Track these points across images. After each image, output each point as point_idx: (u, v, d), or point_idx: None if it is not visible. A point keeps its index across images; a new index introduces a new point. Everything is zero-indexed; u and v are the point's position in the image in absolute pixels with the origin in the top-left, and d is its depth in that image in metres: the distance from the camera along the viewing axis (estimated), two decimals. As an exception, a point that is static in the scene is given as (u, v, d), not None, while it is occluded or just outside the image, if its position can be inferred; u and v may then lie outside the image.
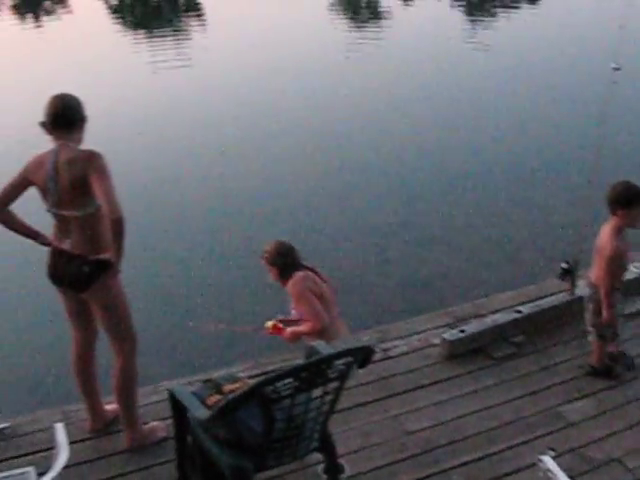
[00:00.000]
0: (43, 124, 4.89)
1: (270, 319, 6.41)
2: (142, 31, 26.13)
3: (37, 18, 28.55)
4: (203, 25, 26.75)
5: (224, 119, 15.15)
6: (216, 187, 12.04)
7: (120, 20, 29.03)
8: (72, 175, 4.71)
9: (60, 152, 4.78)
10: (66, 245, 4.91)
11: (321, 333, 6.10)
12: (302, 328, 6.20)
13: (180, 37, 24.79)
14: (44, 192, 4.84)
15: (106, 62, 20.06)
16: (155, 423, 5.42)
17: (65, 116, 4.84)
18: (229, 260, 9.62)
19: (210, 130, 14.68)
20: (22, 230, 5.11)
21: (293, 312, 6.27)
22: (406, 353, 6.16)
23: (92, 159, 4.70)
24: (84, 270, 4.88)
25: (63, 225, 4.91)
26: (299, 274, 6.15)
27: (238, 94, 16.88)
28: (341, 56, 19.70)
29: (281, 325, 6.35)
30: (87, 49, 21.48)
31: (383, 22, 25.25)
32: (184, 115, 15.66)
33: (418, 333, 6.44)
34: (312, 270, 6.26)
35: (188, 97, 16.96)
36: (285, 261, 6.20)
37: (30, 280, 8.41)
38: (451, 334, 6.11)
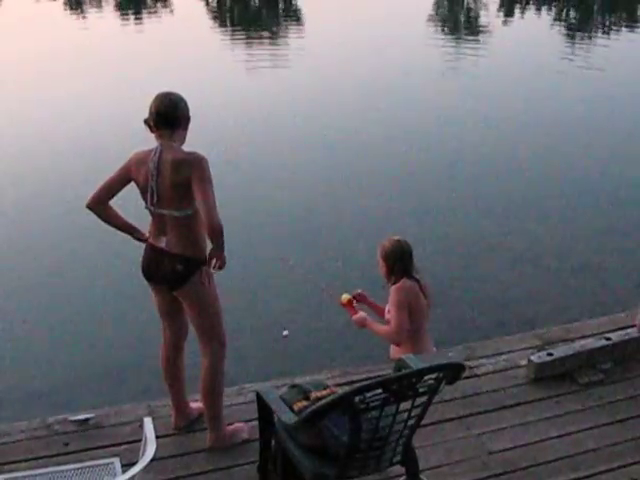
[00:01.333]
0: (147, 122, 4.93)
1: (348, 292, 6.42)
2: (240, 33, 26.37)
3: (139, 17, 29.03)
4: (300, 31, 26.88)
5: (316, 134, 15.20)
6: (317, 193, 12.11)
7: (219, 21, 29.38)
8: (175, 176, 4.75)
9: (164, 151, 4.81)
10: (162, 243, 4.98)
11: (406, 344, 6.12)
12: (380, 328, 6.24)
13: (277, 41, 25.01)
14: (144, 190, 4.90)
15: (203, 63, 20.32)
16: (239, 425, 5.46)
17: (169, 114, 4.86)
18: (324, 262, 9.71)
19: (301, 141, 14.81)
20: (120, 225, 5.15)
21: (387, 315, 6.26)
22: (492, 372, 6.11)
23: (196, 163, 4.74)
24: (178, 268, 4.94)
25: (160, 223, 4.97)
26: (407, 283, 6.14)
27: (332, 105, 16.93)
28: (436, 72, 19.62)
29: (355, 303, 6.38)
30: (186, 49, 21.78)
31: (482, 38, 25.12)
32: (284, 120, 15.76)
33: (505, 353, 6.38)
34: (419, 283, 6.25)
35: (285, 102, 17.09)
36: (394, 263, 6.18)
37: (123, 275, 8.56)
38: (538, 357, 6.04)
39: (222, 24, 29.15)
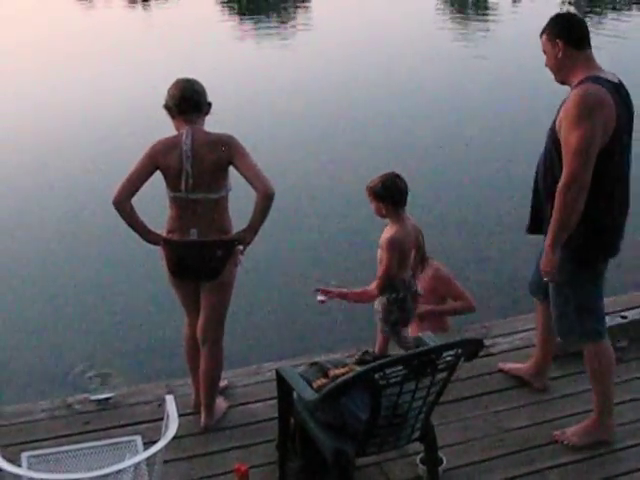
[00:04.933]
0: (167, 107, 4.95)
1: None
2: (248, 20, 26.37)
3: (146, 3, 29.06)
4: (309, 17, 26.87)
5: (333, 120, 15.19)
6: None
7: (228, 8, 29.32)
8: (214, 157, 4.77)
9: (196, 135, 4.81)
10: (192, 236, 4.93)
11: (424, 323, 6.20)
12: (451, 306, 6.52)
13: (287, 27, 24.99)
14: (176, 176, 4.83)
15: (210, 50, 20.30)
16: (219, 400, 5.51)
17: (194, 99, 4.89)
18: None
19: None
20: (137, 224, 4.97)
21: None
22: (508, 351, 6.13)
23: (232, 141, 4.80)
24: (218, 255, 4.94)
25: (189, 212, 4.92)
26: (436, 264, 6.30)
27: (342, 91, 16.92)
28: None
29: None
30: (193, 36, 21.75)
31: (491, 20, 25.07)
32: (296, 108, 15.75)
33: (521, 332, 6.39)
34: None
35: (295, 90, 17.01)
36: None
37: (142, 255, 8.58)
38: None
39: (230, 10, 29.06)
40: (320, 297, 5.68)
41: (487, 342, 6.18)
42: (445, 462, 4.84)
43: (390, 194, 5.39)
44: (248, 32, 23.91)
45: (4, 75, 17.93)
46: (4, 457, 3.76)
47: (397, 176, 5.46)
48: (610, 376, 5.12)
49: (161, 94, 4.99)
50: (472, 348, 4.19)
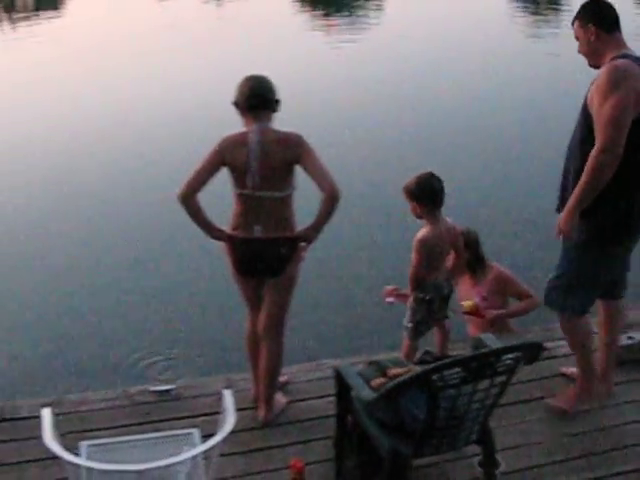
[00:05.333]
0: (237, 104, 4.95)
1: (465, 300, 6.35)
2: (320, 15, 26.40)
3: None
4: (382, 12, 26.79)
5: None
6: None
7: (299, 2, 29.36)
8: (282, 155, 4.78)
9: (265, 132, 4.81)
10: (257, 233, 4.93)
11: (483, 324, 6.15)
12: (518, 307, 6.50)
13: (357, 22, 24.95)
14: (242, 173, 4.83)
15: (281, 45, 20.37)
16: (278, 395, 5.53)
17: (263, 96, 4.88)
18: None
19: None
20: (202, 220, 4.97)
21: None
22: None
23: (300, 140, 4.80)
24: (282, 252, 4.95)
25: (254, 209, 4.92)
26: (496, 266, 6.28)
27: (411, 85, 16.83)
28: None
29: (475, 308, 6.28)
30: (265, 32, 21.84)
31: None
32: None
33: (585, 335, 6.30)
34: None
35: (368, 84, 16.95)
36: (470, 249, 6.24)
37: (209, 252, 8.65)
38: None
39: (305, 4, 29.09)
40: (389, 299, 5.71)
41: (550, 345, 6.10)
42: (503, 465, 4.78)
43: (424, 194, 5.38)
44: (319, 27, 23.93)
45: (89, 72, 18.22)
46: (63, 446, 3.81)
47: (432, 176, 5.44)
48: (589, 346, 5.36)
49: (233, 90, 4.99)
50: (532, 352, 4.14)
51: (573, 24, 4.93)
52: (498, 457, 4.73)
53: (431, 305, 5.58)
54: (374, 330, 7.42)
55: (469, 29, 21.64)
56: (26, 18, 26.37)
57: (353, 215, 9.80)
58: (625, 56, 4.71)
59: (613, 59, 4.70)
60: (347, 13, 26.82)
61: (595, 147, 4.61)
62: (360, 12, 27.24)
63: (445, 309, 5.78)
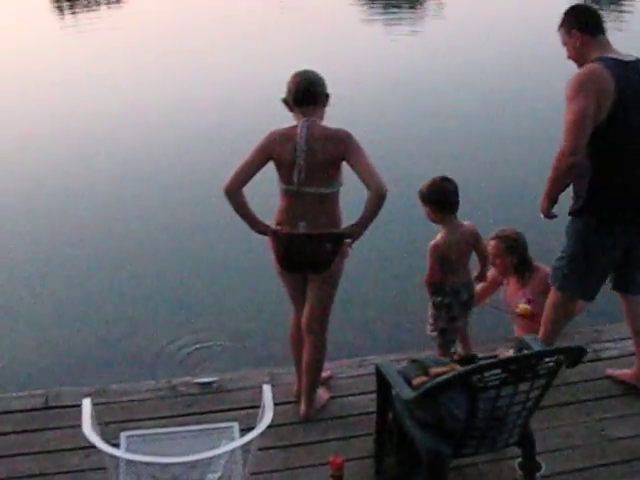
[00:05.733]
0: (285, 100, 4.94)
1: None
2: (377, 6, 26.29)
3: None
4: (442, 5, 26.64)
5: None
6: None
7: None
8: (329, 151, 4.75)
9: (312, 128, 4.79)
10: (301, 229, 4.92)
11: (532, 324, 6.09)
12: None
13: (417, 15, 24.82)
14: (288, 168, 4.81)
15: (337, 37, 20.26)
16: (320, 390, 5.55)
17: (310, 92, 4.86)
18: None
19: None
20: (247, 214, 4.96)
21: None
22: (617, 357, 5.97)
23: (348, 137, 4.77)
24: (327, 247, 4.93)
25: (299, 205, 4.91)
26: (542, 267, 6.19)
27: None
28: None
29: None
30: (321, 24, 21.81)
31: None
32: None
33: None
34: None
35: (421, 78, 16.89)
36: (518, 253, 6.24)
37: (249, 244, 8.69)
38: (667, 344, 5.87)
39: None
40: None
41: (597, 347, 6.07)
42: (544, 468, 4.74)
43: (436, 198, 5.37)
44: (376, 19, 23.85)
45: (139, 69, 18.39)
46: (104, 435, 3.86)
47: (445, 179, 5.42)
48: (558, 328, 5.59)
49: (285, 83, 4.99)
50: (574, 355, 4.10)
51: (559, 30, 5.07)
52: (539, 460, 4.70)
53: (450, 310, 5.56)
54: (419, 328, 7.40)
55: (531, 30, 21.35)
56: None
57: (401, 212, 9.76)
58: (600, 59, 4.80)
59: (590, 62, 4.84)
60: (406, 4, 26.72)
61: (559, 150, 4.83)
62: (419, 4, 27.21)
63: (466, 316, 5.77)
